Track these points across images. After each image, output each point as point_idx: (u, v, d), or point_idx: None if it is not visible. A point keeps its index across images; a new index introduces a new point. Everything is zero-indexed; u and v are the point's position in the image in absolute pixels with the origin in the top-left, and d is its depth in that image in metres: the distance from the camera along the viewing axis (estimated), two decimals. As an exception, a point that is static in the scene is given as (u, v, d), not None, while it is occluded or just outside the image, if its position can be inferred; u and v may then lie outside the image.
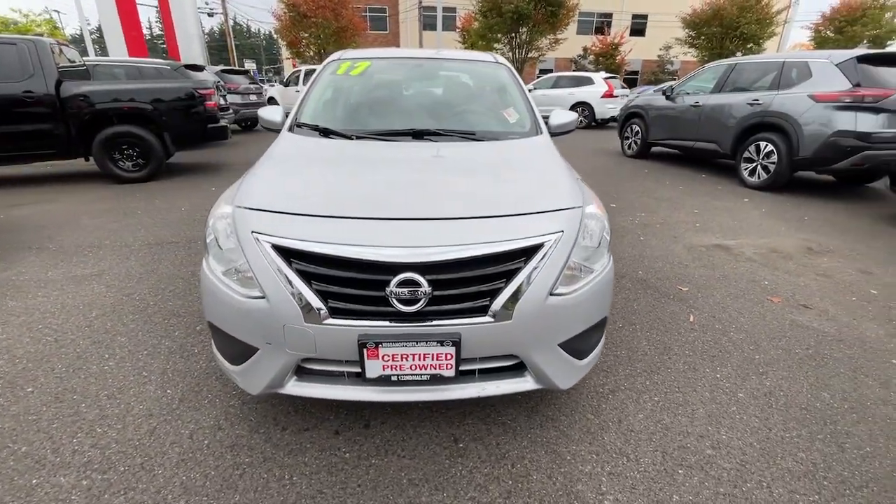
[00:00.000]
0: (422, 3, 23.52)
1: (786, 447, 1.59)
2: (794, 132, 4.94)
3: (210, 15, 35.05)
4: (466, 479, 1.45)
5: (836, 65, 4.81)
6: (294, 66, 31.54)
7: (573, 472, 1.48)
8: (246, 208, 1.49)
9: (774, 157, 5.21)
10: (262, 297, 1.33)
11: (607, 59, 23.94)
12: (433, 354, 1.31)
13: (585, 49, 25.18)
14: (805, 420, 1.73)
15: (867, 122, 4.52)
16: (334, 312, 1.30)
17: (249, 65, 32.72)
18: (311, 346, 1.34)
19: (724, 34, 18.00)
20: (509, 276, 1.35)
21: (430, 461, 1.51)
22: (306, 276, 1.32)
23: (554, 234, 1.41)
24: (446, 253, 1.31)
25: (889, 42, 19.42)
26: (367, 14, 30.29)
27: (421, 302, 1.29)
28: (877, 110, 4.52)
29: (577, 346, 1.50)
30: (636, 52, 28.02)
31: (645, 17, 31.78)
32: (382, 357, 1.30)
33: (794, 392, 1.89)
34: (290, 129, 2.19)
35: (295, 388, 1.43)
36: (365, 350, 1.29)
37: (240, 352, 1.45)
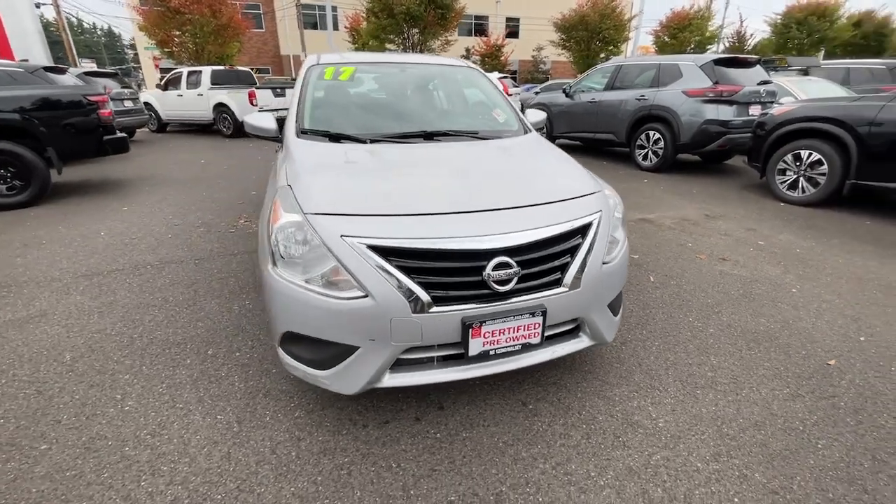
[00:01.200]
0: (300, 1, 22.56)
1: (755, 361, 2.10)
2: (675, 122, 5.98)
3: (37, 6, 29.37)
4: (549, 432, 1.67)
5: (699, 66, 5.94)
6: (157, 67, 27.86)
7: (626, 408, 1.79)
8: (322, 214, 1.51)
9: (661, 144, 6.24)
10: (365, 296, 1.39)
11: (493, 60, 25.50)
12: (525, 326, 1.51)
13: (468, 50, 26.47)
14: (758, 339, 2.28)
15: (726, 112, 5.69)
16: (438, 301, 1.42)
17: (88, 65, 28.09)
18: (417, 336, 1.44)
19: (589, 37, 20.55)
20: (573, 251, 1.60)
21: (512, 424, 1.71)
22: (407, 271, 1.41)
23: (597, 213, 1.69)
24: (527, 236, 1.51)
25: (709, 46, 23.94)
26: (241, 12, 28.10)
27: (513, 281, 1.48)
28: (731, 102, 5.70)
29: (615, 305, 1.82)
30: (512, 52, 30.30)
31: (517, 20, 34.34)
32: (484, 335, 1.46)
33: (743, 322, 2.45)
34: (298, 136, 2.16)
35: (392, 380, 1.51)
36: (470, 330, 1.43)
37: (333, 355, 1.48)
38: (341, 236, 1.44)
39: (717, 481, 1.47)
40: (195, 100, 11.29)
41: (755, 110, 5.74)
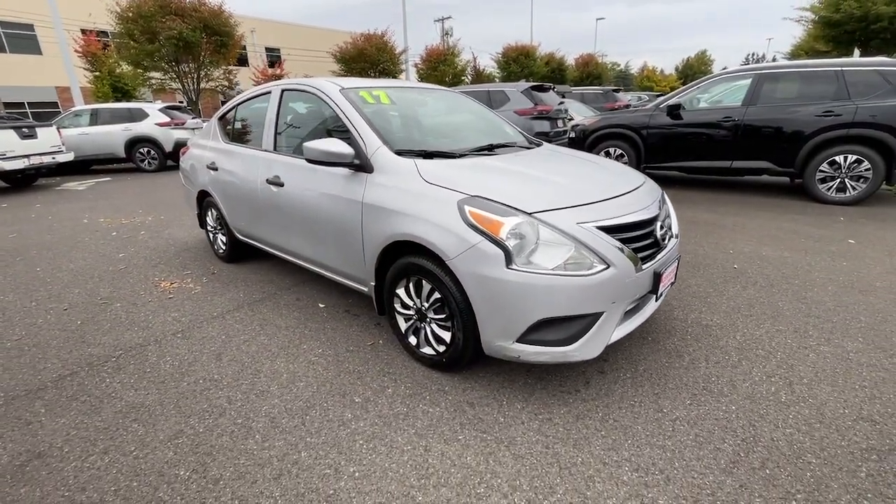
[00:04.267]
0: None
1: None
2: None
3: None
4: (692, 376, 2.29)
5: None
6: None
7: (731, 369, 2.56)
8: (546, 211, 1.75)
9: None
10: (607, 267, 1.73)
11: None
12: (673, 268, 2.08)
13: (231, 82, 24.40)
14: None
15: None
16: (641, 260, 1.87)
17: None
18: (637, 290, 1.85)
19: (369, 68, 22.17)
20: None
21: (665, 372, 2.25)
22: (623, 242, 1.81)
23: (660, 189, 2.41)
24: (660, 206, 2.10)
25: (463, 78, 29.00)
26: None
27: (667, 237, 2.04)
28: None
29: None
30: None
31: (277, 50, 33.71)
32: (663, 279, 1.97)
33: None
34: (400, 155, 2.16)
35: (619, 333, 1.86)
36: (660, 278, 1.92)
37: (582, 327, 1.75)
38: (577, 223, 1.73)
39: None
40: None
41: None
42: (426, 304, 2.04)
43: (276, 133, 2.86)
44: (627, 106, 11.06)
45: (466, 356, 1.95)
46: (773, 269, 3.27)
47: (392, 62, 22.70)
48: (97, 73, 17.08)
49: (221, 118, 3.57)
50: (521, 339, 1.75)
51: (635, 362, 2.16)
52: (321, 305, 2.90)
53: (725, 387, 1.95)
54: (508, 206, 1.77)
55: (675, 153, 6.01)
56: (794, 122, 5.15)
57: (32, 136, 8.48)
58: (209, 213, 3.77)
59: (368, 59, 21.84)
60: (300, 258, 2.83)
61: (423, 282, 2.01)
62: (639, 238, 1.90)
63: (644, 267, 1.85)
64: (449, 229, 1.81)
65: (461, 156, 2.31)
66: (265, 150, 2.90)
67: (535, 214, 1.73)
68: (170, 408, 1.92)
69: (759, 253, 3.61)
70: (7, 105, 22.94)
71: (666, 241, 2.04)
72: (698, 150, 5.80)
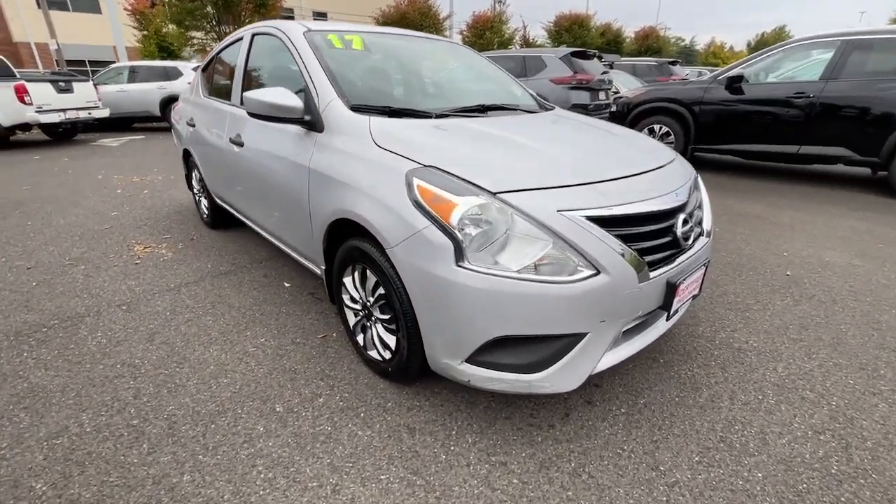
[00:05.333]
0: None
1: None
2: None
3: None
4: (709, 420, 1.78)
5: None
6: None
7: (764, 415, 2.03)
8: (516, 191, 1.29)
9: None
10: (596, 273, 1.25)
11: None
12: (697, 277, 1.57)
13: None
14: None
15: None
16: (650, 266, 1.37)
17: None
18: (639, 306, 1.37)
19: (411, 35, 21.38)
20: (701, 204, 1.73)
21: (673, 410, 1.76)
22: (623, 239, 1.32)
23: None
24: (688, 192, 1.57)
25: (510, 46, 27.53)
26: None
27: (693, 236, 1.52)
28: None
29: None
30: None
31: (324, 14, 33.31)
32: (679, 292, 1.47)
33: None
34: (356, 111, 1.73)
35: (607, 360, 1.39)
36: (675, 290, 1.42)
37: (555, 350, 1.30)
38: (558, 211, 1.26)
39: None
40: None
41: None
42: (371, 300, 1.65)
43: (244, 85, 2.49)
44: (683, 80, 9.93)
45: (412, 369, 1.56)
46: (837, 280, 2.63)
47: (435, 28, 21.72)
48: (145, 33, 17.43)
49: (204, 69, 3.25)
50: (471, 360, 1.33)
51: (636, 391, 1.69)
52: (286, 285, 2.58)
53: (753, 441, 1.46)
54: (468, 181, 1.31)
55: (731, 134, 5.18)
56: (886, 102, 4.24)
57: (69, 90, 8.62)
58: (194, 174, 3.51)
59: (410, 23, 20.99)
60: (262, 229, 2.50)
61: (368, 272, 1.61)
62: (650, 235, 1.40)
63: (652, 275, 1.36)
64: (392, 208, 1.39)
65: (438, 116, 1.84)
66: (231, 105, 2.54)
67: (503, 195, 1.28)
68: (70, 396, 1.66)
69: (821, 258, 2.94)
70: (69, 63, 24.04)
71: (690, 241, 1.52)
72: (760, 131, 4.96)
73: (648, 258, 1.37)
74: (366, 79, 2.09)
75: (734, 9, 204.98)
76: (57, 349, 1.95)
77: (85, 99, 8.91)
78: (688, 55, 47.98)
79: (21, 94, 7.84)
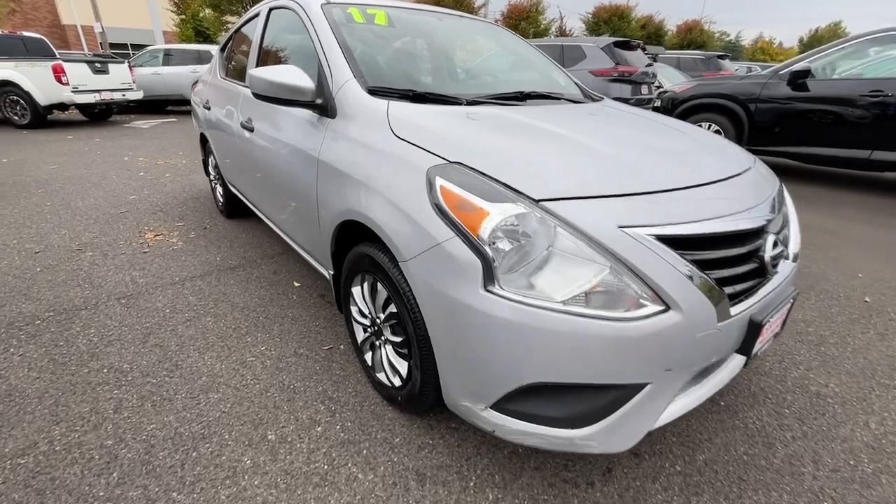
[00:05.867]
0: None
1: None
2: None
3: None
4: (788, 489, 1.47)
5: None
6: None
7: (861, 488, 1.69)
8: (567, 199, 1.01)
9: None
10: (666, 309, 0.97)
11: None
12: (783, 313, 1.26)
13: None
14: None
15: None
16: (731, 299, 1.08)
17: None
18: (713, 349, 1.07)
19: (444, 24, 20.96)
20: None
21: (742, 473, 1.46)
22: (700, 266, 1.03)
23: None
24: (773, 207, 1.26)
25: (545, 37, 26.77)
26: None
27: (779, 260, 1.22)
28: None
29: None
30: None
31: None
32: (763, 332, 1.17)
33: None
34: (373, 94, 1.48)
35: (671, 410, 1.11)
36: (759, 329, 1.12)
37: (603, 404, 1.02)
38: (619, 227, 0.98)
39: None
40: (-43, 75, 7.92)
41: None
42: (381, 317, 1.41)
43: (258, 64, 2.28)
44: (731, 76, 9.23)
45: (425, 404, 1.31)
46: (930, 311, 2.24)
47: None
48: (182, 17, 17.67)
49: (223, 48, 3.06)
50: (498, 407, 1.07)
51: (693, 444, 1.40)
52: (296, 284, 2.38)
53: (848, 525, 1.15)
54: (504, 184, 1.05)
55: (792, 135, 4.69)
56: (983, 104, 3.69)
57: (104, 71, 8.72)
58: (210, 160, 3.36)
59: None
60: (272, 223, 2.30)
61: (379, 285, 1.37)
62: (731, 260, 1.10)
63: (733, 311, 1.07)
64: (408, 213, 1.14)
65: (469, 103, 1.57)
66: (244, 86, 2.34)
67: (548, 203, 1.01)
68: (47, 404, 1.49)
69: (907, 283, 2.54)
70: (112, 45, 24.73)
71: (776, 268, 1.21)
72: (826, 133, 4.45)
73: (728, 289, 1.07)
74: (388, 58, 1.83)
75: (782, 4, 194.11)
76: (45, 346, 1.80)
77: (120, 80, 9.00)
78: (732, 50, 45.59)
79: (58, 73, 7.96)
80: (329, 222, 1.51)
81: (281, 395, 1.56)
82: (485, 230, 0.99)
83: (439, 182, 1.10)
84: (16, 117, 8.06)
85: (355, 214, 1.33)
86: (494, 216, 0.99)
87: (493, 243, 0.99)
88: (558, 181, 1.07)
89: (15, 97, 7.96)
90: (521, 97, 1.75)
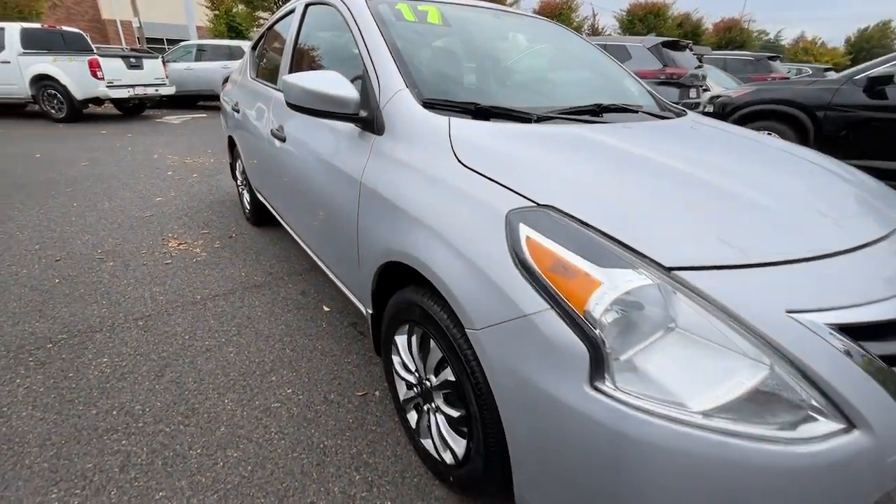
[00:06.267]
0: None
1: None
2: None
3: None
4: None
5: None
6: None
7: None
8: (706, 267, 0.74)
9: None
10: (849, 428, 0.69)
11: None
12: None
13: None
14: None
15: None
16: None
17: None
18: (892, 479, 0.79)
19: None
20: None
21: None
22: (887, 363, 0.74)
23: None
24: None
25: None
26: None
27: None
28: None
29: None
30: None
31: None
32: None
33: None
34: (429, 108, 1.23)
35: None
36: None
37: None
38: (788, 312, 0.70)
39: None
40: (-1, 69, 8.09)
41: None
42: (433, 380, 1.17)
43: (292, 68, 2.07)
44: (786, 80, 8.62)
45: (486, 491, 1.07)
46: None
47: (500, 14, 20.85)
48: (216, 13, 17.88)
49: (254, 46, 2.88)
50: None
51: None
52: (325, 309, 2.16)
53: None
54: (619, 241, 0.79)
55: (868, 147, 4.23)
56: None
57: (139, 66, 8.79)
58: (237, 164, 3.19)
59: (475, 9, 20.27)
60: (302, 241, 2.09)
61: (431, 341, 1.13)
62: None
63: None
64: (482, 267, 0.89)
65: (540, 119, 1.31)
66: (277, 90, 2.13)
67: (682, 273, 0.74)
68: (47, 456, 1.31)
69: None
70: (148, 40, 25.33)
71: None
72: (908, 146, 4.00)
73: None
74: (445, 64, 1.58)
75: (828, 3, 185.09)
76: (54, 377, 1.63)
77: (153, 75, 9.07)
78: (772, 50, 43.58)
79: (94, 68, 8.04)
80: (371, 259, 1.28)
81: (309, 457, 1.34)
82: (595, 307, 0.73)
83: (525, 232, 0.84)
84: (53, 111, 8.19)
85: (407, 258, 1.09)
86: (608, 289, 0.73)
87: (604, 323, 0.73)
88: (693, 240, 0.80)
89: (52, 91, 8.08)
90: (597, 111, 1.48)
